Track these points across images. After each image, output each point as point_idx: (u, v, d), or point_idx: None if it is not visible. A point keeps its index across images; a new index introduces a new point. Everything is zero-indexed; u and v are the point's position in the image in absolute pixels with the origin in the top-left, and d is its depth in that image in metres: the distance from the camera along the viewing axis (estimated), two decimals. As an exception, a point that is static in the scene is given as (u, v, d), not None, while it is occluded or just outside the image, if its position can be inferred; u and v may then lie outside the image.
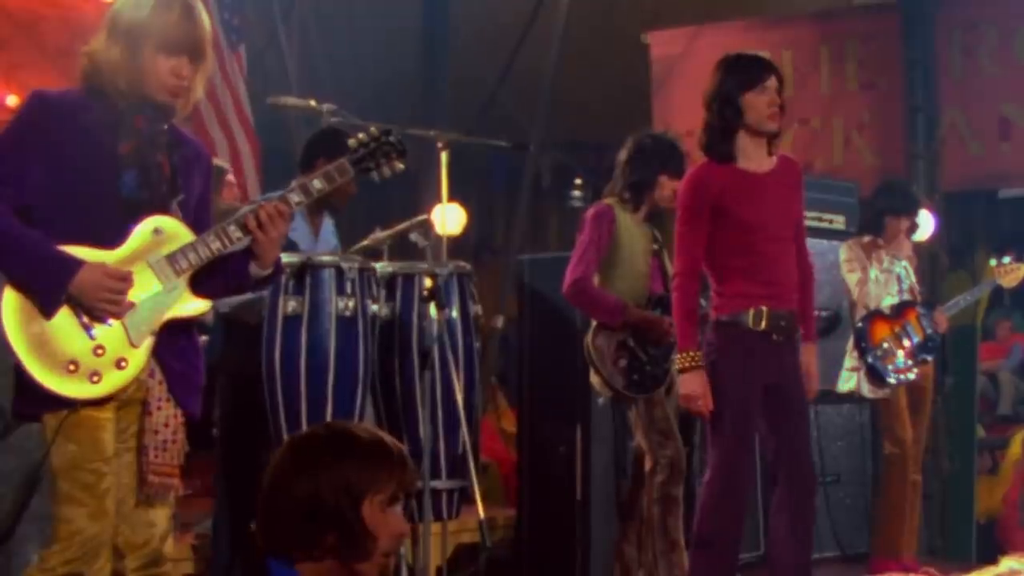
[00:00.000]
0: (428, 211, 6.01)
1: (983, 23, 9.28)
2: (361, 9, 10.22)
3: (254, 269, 3.80)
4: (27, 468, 4.79)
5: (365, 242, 5.60)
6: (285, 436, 4.93)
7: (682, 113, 10.02)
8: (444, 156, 5.44)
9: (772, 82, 4.91)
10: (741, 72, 4.91)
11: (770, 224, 4.97)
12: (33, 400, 3.60)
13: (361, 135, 3.90)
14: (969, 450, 8.81)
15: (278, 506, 2.77)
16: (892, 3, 9.58)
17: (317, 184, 3.80)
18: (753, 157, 4.97)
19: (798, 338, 5.08)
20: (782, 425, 4.96)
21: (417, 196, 9.25)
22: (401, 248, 5.77)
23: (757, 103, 4.87)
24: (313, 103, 6.25)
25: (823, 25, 9.94)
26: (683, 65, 10.26)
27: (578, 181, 11.86)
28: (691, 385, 4.92)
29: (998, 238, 11.56)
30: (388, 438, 2.86)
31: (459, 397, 5.00)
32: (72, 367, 3.56)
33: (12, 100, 8.19)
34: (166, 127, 3.77)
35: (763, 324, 4.91)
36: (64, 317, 3.57)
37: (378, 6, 10.26)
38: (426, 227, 5.33)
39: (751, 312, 4.91)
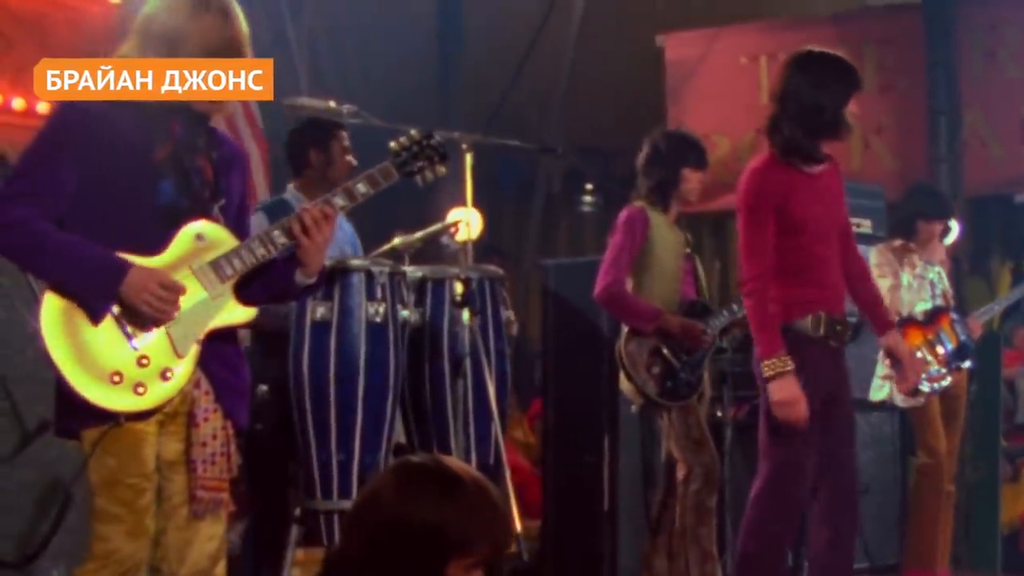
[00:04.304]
0: (444, 215, 5.89)
1: (1004, 24, 9.16)
2: (372, 12, 10.08)
3: (299, 276, 3.66)
4: (48, 480, 4.68)
5: (396, 242, 5.42)
6: (313, 446, 4.80)
7: (698, 117, 9.91)
8: (468, 158, 5.28)
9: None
10: (849, 79, 4.77)
11: (823, 226, 4.84)
12: (76, 414, 3.45)
13: (403, 138, 3.80)
14: (993, 459, 8.64)
15: (360, 524, 2.58)
16: (913, 4, 9.46)
17: (361, 188, 3.69)
18: None
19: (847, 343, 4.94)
20: (830, 435, 4.81)
21: (430, 199, 9.08)
22: (419, 251, 5.63)
23: (849, 111, 4.76)
24: (332, 104, 6.09)
25: (840, 27, 9.79)
26: (700, 68, 10.14)
27: (589, 187, 11.75)
28: (784, 391, 4.65)
29: (1015, 244, 11.40)
30: (494, 490, 2.61)
31: (493, 406, 4.84)
32: (116, 378, 3.41)
33: (19, 103, 8.05)
34: (204, 128, 3.64)
35: (822, 330, 4.75)
36: (106, 326, 3.43)
37: (390, 9, 10.12)
38: (458, 230, 5.16)
39: (809, 318, 4.75)
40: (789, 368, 4.65)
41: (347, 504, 4.75)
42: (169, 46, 3.48)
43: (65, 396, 3.42)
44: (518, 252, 11.06)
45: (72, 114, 3.50)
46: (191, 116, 3.56)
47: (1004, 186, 9.44)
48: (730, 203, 7.67)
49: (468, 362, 4.91)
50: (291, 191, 5.77)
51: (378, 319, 4.82)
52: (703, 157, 6.00)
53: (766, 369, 4.69)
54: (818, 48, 4.89)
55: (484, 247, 10.70)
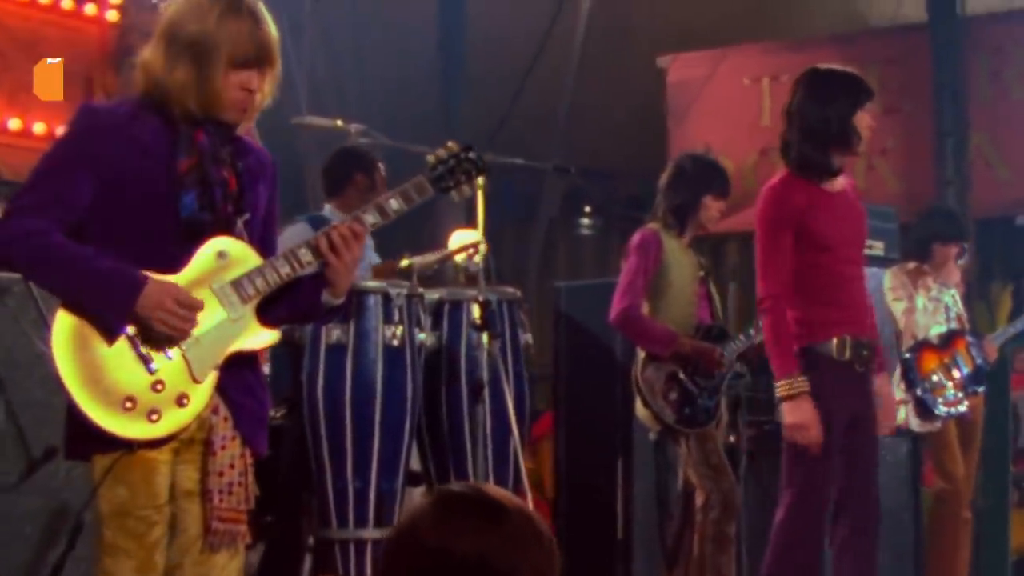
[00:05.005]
0: (445, 236, 5.78)
1: (1010, 45, 9.11)
2: (373, 31, 9.98)
3: (326, 297, 3.45)
4: (55, 508, 4.53)
5: (405, 263, 5.27)
6: (328, 473, 4.66)
7: (700, 138, 9.82)
8: (480, 180, 5.16)
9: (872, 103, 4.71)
10: (855, 90, 4.66)
11: (846, 245, 4.73)
12: (86, 440, 3.25)
13: (440, 151, 3.55)
14: (1003, 484, 8.53)
15: (400, 556, 2.45)
16: (918, 24, 9.40)
17: (394, 204, 3.45)
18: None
19: (873, 368, 4.82)
20: (855, 462, 4.69)
21: (427, 220, 8.98)
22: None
23: (862, 123, 4.64)
24: (340, 123, 6.01)
25: (844, 48, 9.71)
26: (702, 90, 10.07)
27: (587, 209, 11.66)
28: (798, 414, 4.53)
29: (1015, 266, 11.31)
30: (538, 518, 2.45)
31: (515, 431, 4.71)
32: (129, 404, 3.20)
33: (15, 123, 7.93)
34: (230, 139, 3.43)
35: (847, 354, 4.63)
36: (120, 348, 3.23)
37: (391, 27, 10.02)
38: (480, 250, 5.02)
39: (834, 341, 4.62)
40: (804, 389, 4.54)
41: (364, 533, 4.63)
42: (197, 51, 3.28)
43: (76, 420, 3.23)
44: (517, 274, 10.95)
45: (90, 122, 3.33)
46: (217, 125, 3.37)
47: (1011, 207, 9.37)
48: (730, 226, 7.60)
49: (485, 387, 4.77)
50: (329, 210, 5.69)
51: (395, 342, 4.69)
52: (727, 186, 5.91)
53: (780, 389, 4.58)
54: (827, 66, 4.82)
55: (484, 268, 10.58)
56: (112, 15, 8.36)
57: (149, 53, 3.35)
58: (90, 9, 8.30)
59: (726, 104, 10.03)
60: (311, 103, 9.30)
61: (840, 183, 4.78)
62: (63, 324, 3.23)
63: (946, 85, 9.03)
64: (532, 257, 10.62)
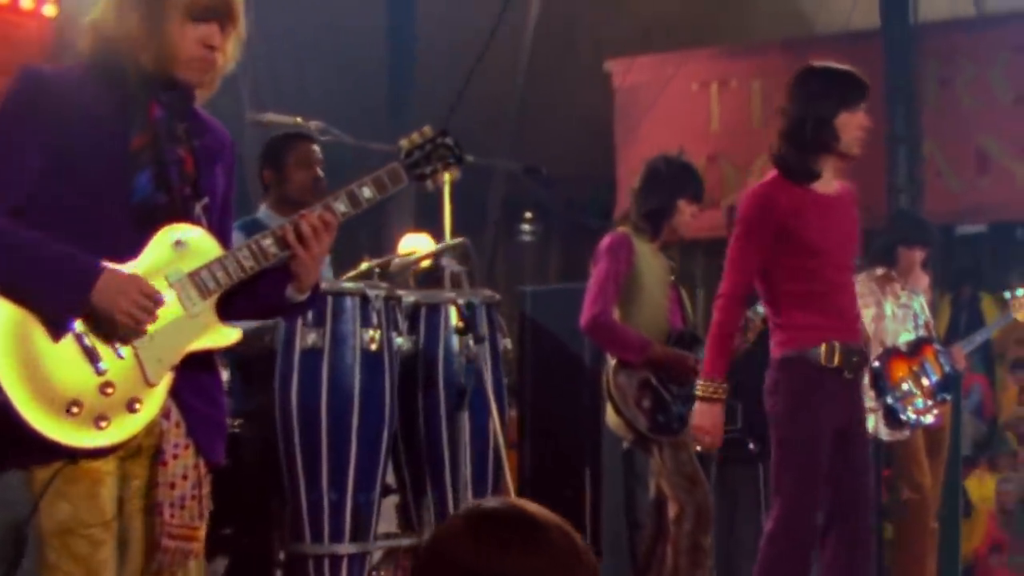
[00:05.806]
0: (396, 240, 5.57)
1: (960, 54, 9.10)
2: (319, 31, 9.76)
3: (290, 292, 3.20)
4: (11, 524, 4.27)
5: (364, 266, 5.04)
6: (301, 484, 4.43)
7: (648, 143, 9.68)
8: (447, 177, 4.96)
9: (866, 102, 4.56)
10: (841, 89, 4.54)
11: (836, 250, 4.62)
12: (21, 448, 2.94)
13: (414, 136, 3.33)
14: (955, 492, 8.51)
15: (435, 572, 2.27)
16: (869, 31, 9.37)
17: (367, 192, 3.21)
18: (824, 178, 4.60)
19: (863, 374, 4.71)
20: (846, 476, 4.57)
21: (381, 222, 8.78)
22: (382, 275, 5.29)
23: (851, 124, 4.50)
24: (299, 120, 5.78)
25: (794, 54, 9.64)
26: (649, 95, 9.96)
27: (528, 215, 11.54)
28: (706, 418, 4.61)
29: (955, 275, 11.33)
30: (575, 532, 2.31)
31: (500, 439, 4.52)
32: (75, 409, 2.90)
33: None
34: (187, 112, 3.14)
35: (836, 360, 4.51)
36: (66, 346, 2.93)
37: (338, 23, 9.81)
38: (463, 251, 4.81)
39: (822, 346, 4.51)
40: (719, 396, 4.59)
41: (339, 548, 4.40)
42: (154, 6, 3.01)
43: (10, 424, 2.89)
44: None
45: (34, 87, 3.00)
46: (174, 93, 3.09)
47: (960, 216, 9.37)
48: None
49: (468, 393, 4.58)
50: (263, 210, 5.44)
51: (373, 347, 4.46)
52: (701, 190, 5.78)
53: (700, 388, 4.63)
54: (822, 64, 4.69)
55: (427, 272, 10.40)
56: (49, 9, 8.12)
57: (98, 12, 3.08)
58: (27, 3, 8.05)
59: (674, 109, 9.93)
60: (252, 100, 9.07)
61: (835, 186, 4.66)
62: (1, 316, 2.93)
63: (899, 90, 8.99)
64: (481, 261, 10.46)
